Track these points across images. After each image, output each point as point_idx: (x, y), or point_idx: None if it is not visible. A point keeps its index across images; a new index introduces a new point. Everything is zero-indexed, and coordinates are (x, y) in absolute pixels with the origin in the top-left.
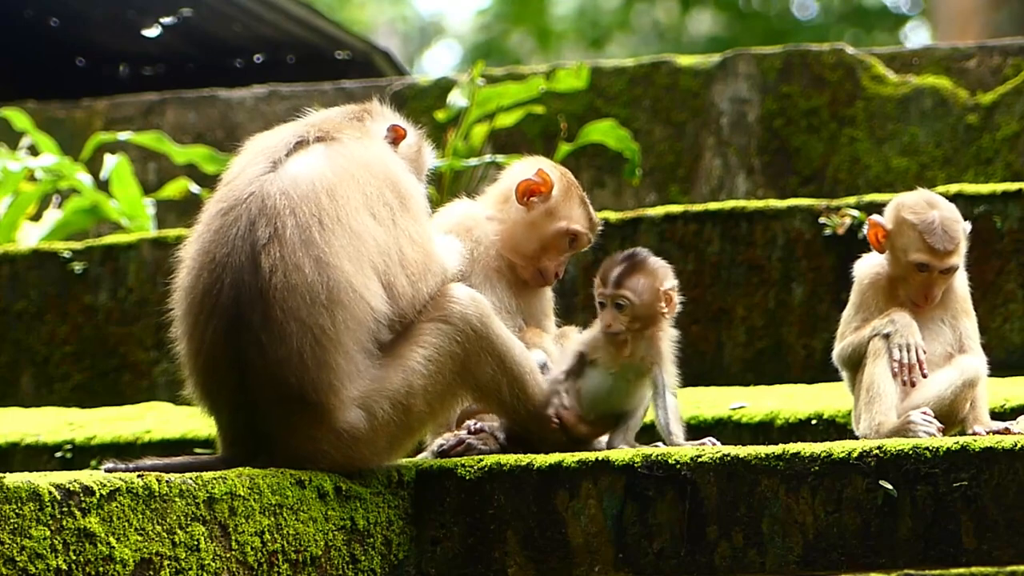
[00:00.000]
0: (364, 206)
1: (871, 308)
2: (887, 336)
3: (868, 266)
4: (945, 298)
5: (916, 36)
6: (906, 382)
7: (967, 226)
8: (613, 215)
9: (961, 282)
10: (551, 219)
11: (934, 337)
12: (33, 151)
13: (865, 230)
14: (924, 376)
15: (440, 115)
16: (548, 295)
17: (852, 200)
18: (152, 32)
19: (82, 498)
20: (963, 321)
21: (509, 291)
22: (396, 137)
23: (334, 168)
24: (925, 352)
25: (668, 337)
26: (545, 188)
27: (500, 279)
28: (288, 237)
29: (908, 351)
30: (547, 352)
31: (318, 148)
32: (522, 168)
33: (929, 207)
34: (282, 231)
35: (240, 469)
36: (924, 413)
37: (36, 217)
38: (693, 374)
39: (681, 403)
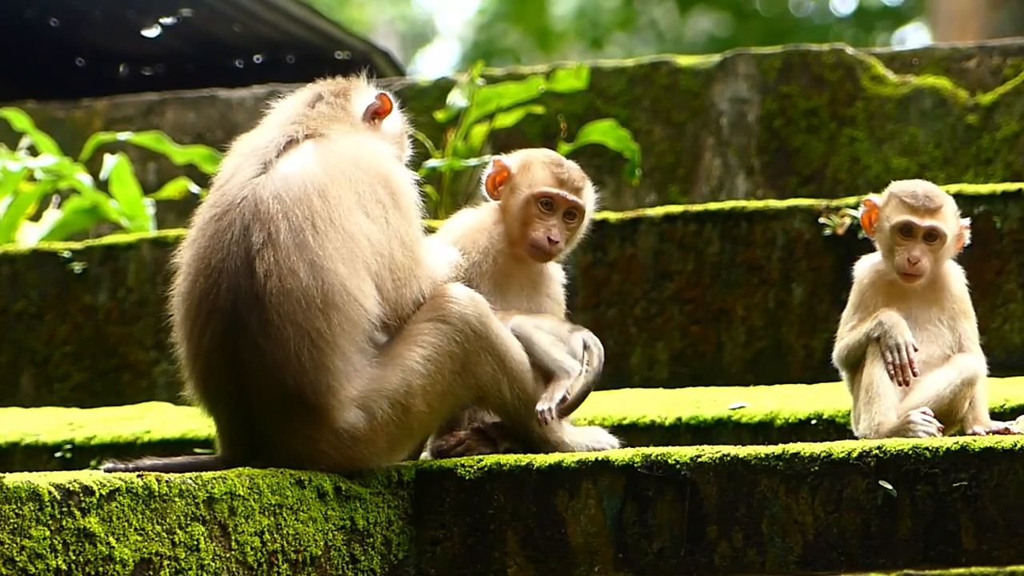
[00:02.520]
0: (357, 205)
1: (869, 308)
2: (877, 338)
3: (868, 266)
4: (941, 297)
5: (916, 37)
6: (901, 382)
7: (965, 222)
8: (613, 215)
9: (958, 282)
10: (516, 193)
11: (933, 339)
12: (33, 151)
13: (860, 213)
14: (915, 375)
15: (440, 115)
16: (558, 296)
17: (852, 200)
18: (152, 32)
19: (82, 498)
20: (961, 322)
21: (521, 294)
22: (379, 113)
23: (325, 168)
24: (916, 350)
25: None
26: (504, 172)
27: (509, 282)
28: (282, 242)
29: (899, 351)
30: None
31: (307, 147)
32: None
33: (916, 185)
34: (276, 236)
35: (240, 469)
36: (924, 413)
37: (36, 217)
38: (693, 374)
39: (681, 403)
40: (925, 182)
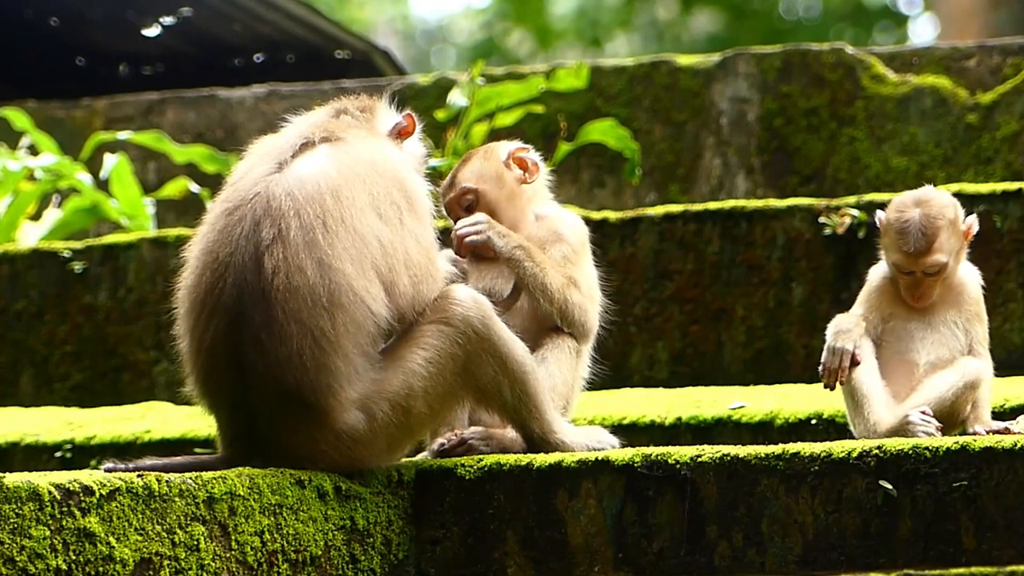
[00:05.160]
0: (370, 206)
1: (872, 309)
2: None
3: (880, 270)
4: (959, 299)
5: (922, 33)
6: (829, 386)
7: (972, 220)
8: (613, 215)
9: (975, 285)
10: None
11: (944, 340)
12: (33, 151)
13: (876, 221)
14: (842, 383)
15: (440, 114)
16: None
17: (852, 200)
18: (152, 32)
19: (82, 498)
20: (975, 325)
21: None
22: (402, 133)
23: (340, 169)
24: (859, 362)
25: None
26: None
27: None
28: (292, 239)
29: (834, 355)
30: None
31: (323, 149)
32: None
33: (913, 206)
34: (286, 232)
35: (240, 469)
36: (923, 413)
37: (36, 217)
38: (693, 374)
39: (681, 403)
40: (927, 202)
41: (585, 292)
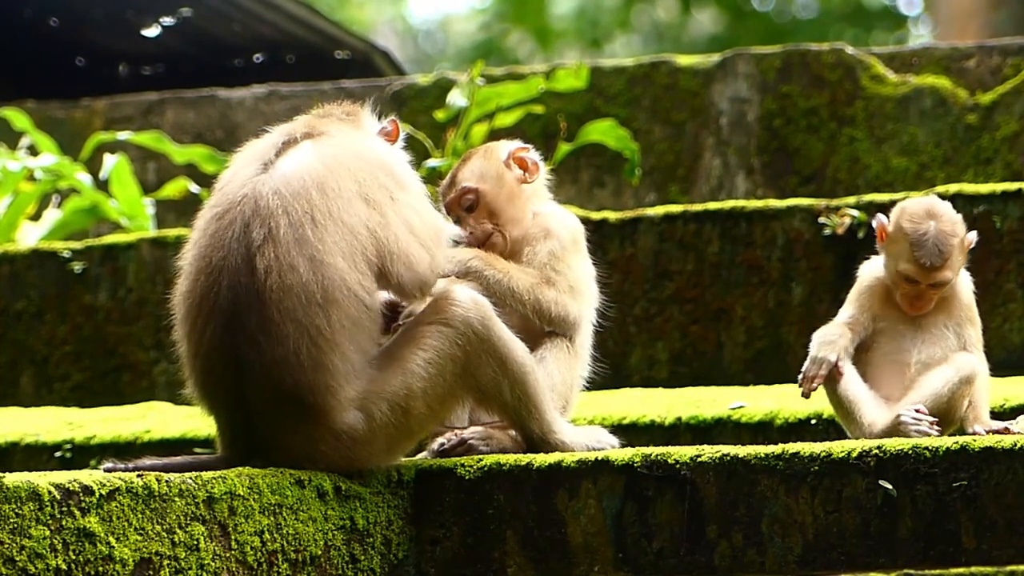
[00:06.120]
0: (357, 194)
1: (863, 309)
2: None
3: (871, 269)
4: (950, 305)
5: (922, 33)
6: (805, 394)
7: (972, 236)
8: (613, 215)
9: (967, 290)
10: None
11: (936, 340)
12: (33, 151)
13: (875, 224)
14: (814, 390)
15: (440, 115)
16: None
17: (852, 200)
18: (152, 32)
19: (82, 498)
20: (967, 328)
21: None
22: (387, 137)
23: (324, 160)
24: (843, 374)
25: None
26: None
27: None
28: (282, 237)
29: (814, 363)
30: None
31: (306, 144)
32: None
33: (927, 217)
34: (276, 231)
35: (240, 469)
36: (917, 411)
37: (36, 217)
38: (693, 374)
39: (681, 403)
40: (940, 215)
41: (563, 287)
